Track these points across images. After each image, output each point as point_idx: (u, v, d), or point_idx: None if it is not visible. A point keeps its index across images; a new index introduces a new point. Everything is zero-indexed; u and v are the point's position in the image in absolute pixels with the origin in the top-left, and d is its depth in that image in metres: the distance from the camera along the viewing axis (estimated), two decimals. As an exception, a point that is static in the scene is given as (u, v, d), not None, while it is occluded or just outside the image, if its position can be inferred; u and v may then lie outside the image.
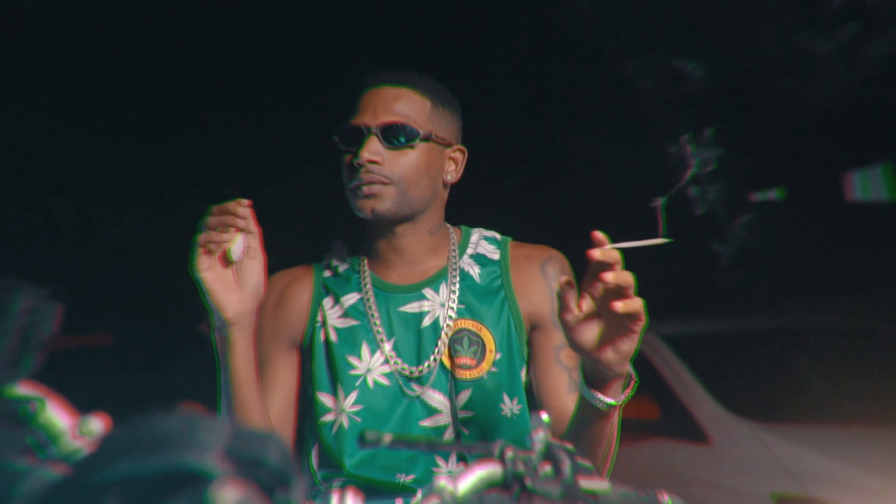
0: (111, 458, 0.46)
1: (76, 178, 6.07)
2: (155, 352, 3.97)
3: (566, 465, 0.79)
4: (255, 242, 1.22)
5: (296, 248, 1.64)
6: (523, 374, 1.37)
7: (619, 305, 1.03)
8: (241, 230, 1.20)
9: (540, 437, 0.81)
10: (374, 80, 1.36)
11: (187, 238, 1.23)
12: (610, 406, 1.12)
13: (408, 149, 1.31)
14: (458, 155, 1.41)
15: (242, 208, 1.20)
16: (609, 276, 1.02)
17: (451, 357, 1.33)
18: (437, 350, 1.33)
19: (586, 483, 0.80)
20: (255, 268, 1.22)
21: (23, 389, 0.56)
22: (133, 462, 0.45)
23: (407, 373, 1.33)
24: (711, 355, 3.42)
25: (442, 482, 0.72)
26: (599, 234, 1.04)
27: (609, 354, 1.08)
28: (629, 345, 1.07)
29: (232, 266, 1.22)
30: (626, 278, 1.03)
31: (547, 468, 0.79)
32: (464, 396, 1.32)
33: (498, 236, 1.47)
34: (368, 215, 1.31)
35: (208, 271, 1.20)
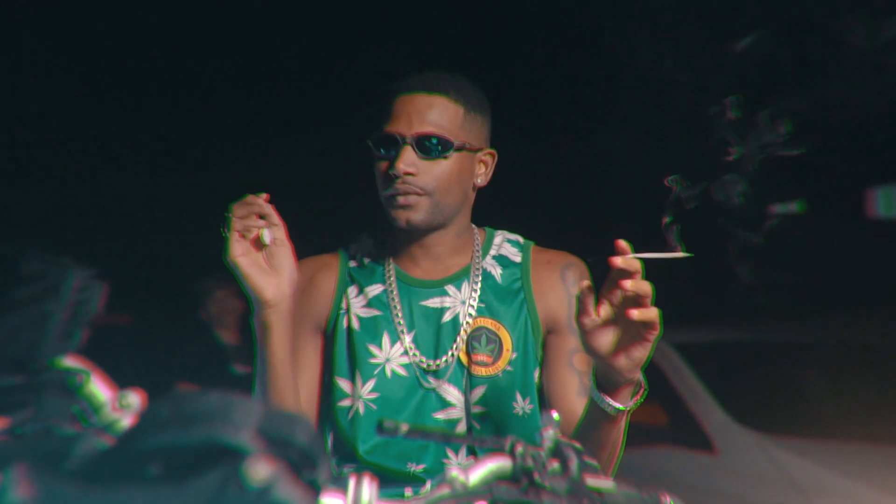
0: (154, 430, 0.49)
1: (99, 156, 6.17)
2: (166, 333, 4.04)
3: (574, 463, 0.83)
4: (281, 233, 1.25)
5: (319, 237, 1.67)
6: (536, 374, 1.40)
7: (636, 313, 1.06)
8: (266, 219, 1.24)
9: (549, 435, 0.84)
10: (408, 85, 1.37)
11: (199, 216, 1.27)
12: (618, 411, 1.15)
13: (441, 159, 1.33)
14: (487, 158, 1.44)
15: (255, 198, 1.23)
16: (628, 284, 1.06)
17: (468, 353, 1.36)
18: (455, 345, 1.37)
19: (592, 481, 0.83)
20: (285, 254, 1.25)
21: (71, 362, 0.60)
22: (174, 435, 0.49)
23: (424, 365, 1.36)
24: (721, 365, 3.43)
25: (454, 472, 0.75)
26: (623, 243, 1.07)
27: (622, 360, 1.11)
28: (642, 352, 1.10)
29: (263, 251, 1.24)
30: (645, 288, 1.07)
31: (555, 465, 0.82)
32: (478, 392, 1.35)
33: (521, 240, 1.50)
34: (404, 225, 1.34)
35: (243, 257, 1.22)
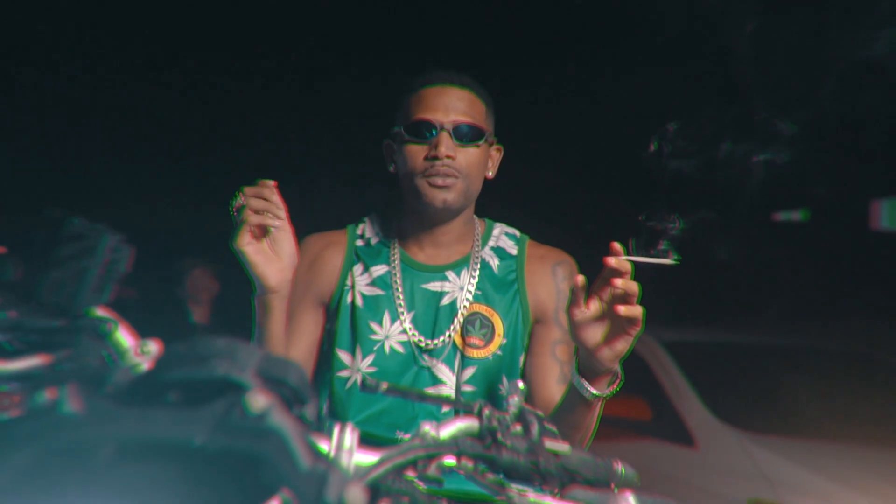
0: (173, 367, 0.60)
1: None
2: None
3: (535, 427, 0.93)
4: (285, 220, 1.31)
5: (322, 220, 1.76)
6: (522, 360, 1.50)
7: (622, 309, 1.17)
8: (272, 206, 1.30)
9: (514, 402, 0.94)
10: (437, 79, 1.46)
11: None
12: (595, 396, 1.26)
13: (473, 147, 1.43)
14: (496, 153, 1.55)
15: (269, 188, 1.29)
16: (619, 282, 1.17)
17: (462, 336, 1.46)
18: (451, 328, 1.46)
19: (550, 444, 0.93)
20: (287, 239, 1.32)
21: (102, 312, 0.71)
22: (189, 370, 0.60)
23: (422, 344, 1.46)
24: (707, 365, 3.51)
25: (426, 428, 0.86)
26: (617, 245, 1.18)
27: (605, 352, 1.22)
28: (623, 346, 1.21)
29: (267, 237, 1.31)
30: (633, 287, 1.18)
31: (518, 428, 0.93)
32: (468, 373, 1.45)
33: (517, 233, 1.60)
34: (440, 205, 1.43)
35: (249, 245, 1.28)
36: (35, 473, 0.56)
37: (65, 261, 0.69)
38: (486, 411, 0.91)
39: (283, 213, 1.30)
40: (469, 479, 0.90)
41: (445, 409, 1.42)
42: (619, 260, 1.19)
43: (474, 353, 1.46)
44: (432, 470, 0.87)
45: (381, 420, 1.43)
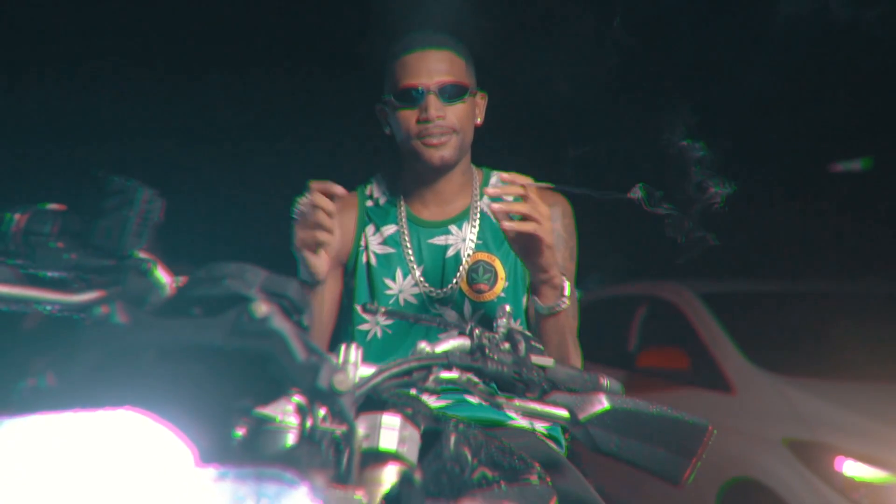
0: (195, 286, 0.76)
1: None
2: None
3: (522, 345, 1.06)
4: (334, 230, 1.37)
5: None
6: (525, 299, 1.63)
7: (506, 225, 1.31)
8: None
9: (503, 323, 1.08)
10: (416, 43, 1.54)
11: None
12: (546, 309, 1.39)
13: (460, 103, 1.54)
14: (481, 101, 1.65)
15: (327, 202, 1.34)
16: (490, 191, 1.32)
17: (468, 283, 1.59)
18: (457, 276, 1.59)
19: (536, 359, 1.06)
20: (332, 239, 1.38)
21: (143, 254, 0.87)
22: (207, 289, 0.75)
23: (433, 294, 1.59)
24: (745, 314, 3.55)
25: (422, 345, 1.00)
26: (506, 175, 1.35)
27: (528, 264, 1.37)
28: (536, 259, 1.35)
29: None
30: (525, 208, 1.31)
31: (506, 346, 1.06)
32: (476, 316, 1.59)
33: None
34: (438, 163, 1.54)
35: (305, 247, 1.38)
36: (97, 370, 0.73)
37: (109, 211, 0.85)
38: (477, 331, 1.04)
39: (334, 226, 1.37)
40: (463, 389, 1.03)
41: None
42: (512, 175, 1.34)
43: (480, 298, 1.58)
44: (430, 383, 1.01)
45: None
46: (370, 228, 1.67)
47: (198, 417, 0.73)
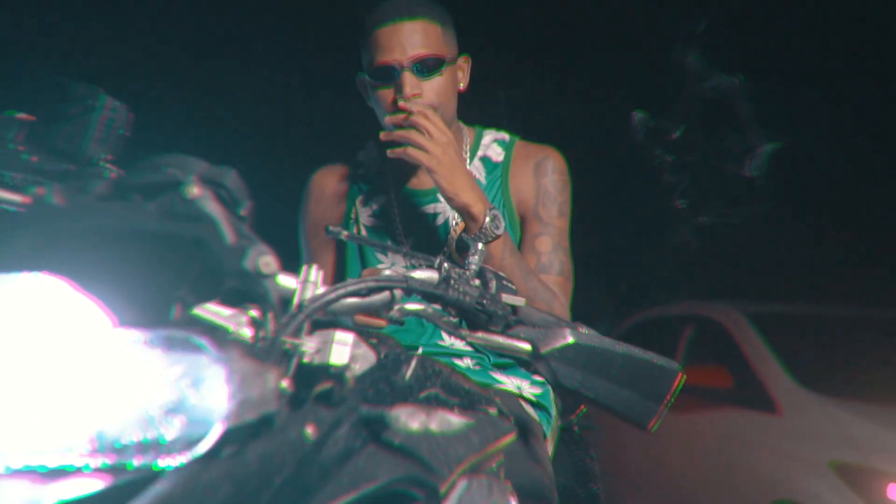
0: (135, 173, 0.77)
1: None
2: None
3: (493, 283, 1.03)
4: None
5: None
6: None
7: (389, 152, 1.40)
8: None
9: (475, 260, 1.05)
10: (387, 15, 1.44)
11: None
12: (468, 240, 1.32)
13: (438, 76, 1.45)
14: (464, 64, 1.57)
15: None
16: (382, 136, 1.40)
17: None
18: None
19: (507, 298, 1.03)
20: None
21: (108, 164, 0.89)
22: (145, 175, 0.77)
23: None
24: (792, 335, 3.41)
25: (381, 268, 0.98)
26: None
27: (442, 194, 1.38)
28: (441, 186, 1.37)
29: None
30: (403, 133, 1.37)
31: (476, 282, 1.03)
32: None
33: (507, 137, 1.64)
34: None
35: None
36: (33, 254, 0.74)
37: (71, 116, 0.88)
38: (446, 265, 1.02)
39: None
40: (428, 320, 1.01)
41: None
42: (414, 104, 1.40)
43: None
44: (395, 312, 1.00)
45: (399, 339, 1.55)
46: (360, 200, 1.64)
47: (126, 295, 0.74)
